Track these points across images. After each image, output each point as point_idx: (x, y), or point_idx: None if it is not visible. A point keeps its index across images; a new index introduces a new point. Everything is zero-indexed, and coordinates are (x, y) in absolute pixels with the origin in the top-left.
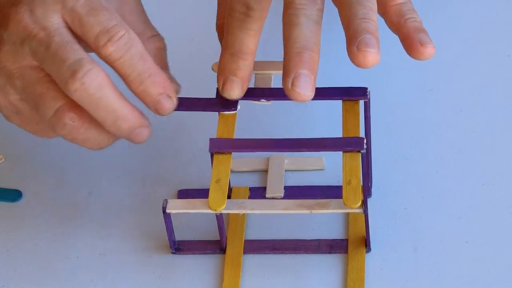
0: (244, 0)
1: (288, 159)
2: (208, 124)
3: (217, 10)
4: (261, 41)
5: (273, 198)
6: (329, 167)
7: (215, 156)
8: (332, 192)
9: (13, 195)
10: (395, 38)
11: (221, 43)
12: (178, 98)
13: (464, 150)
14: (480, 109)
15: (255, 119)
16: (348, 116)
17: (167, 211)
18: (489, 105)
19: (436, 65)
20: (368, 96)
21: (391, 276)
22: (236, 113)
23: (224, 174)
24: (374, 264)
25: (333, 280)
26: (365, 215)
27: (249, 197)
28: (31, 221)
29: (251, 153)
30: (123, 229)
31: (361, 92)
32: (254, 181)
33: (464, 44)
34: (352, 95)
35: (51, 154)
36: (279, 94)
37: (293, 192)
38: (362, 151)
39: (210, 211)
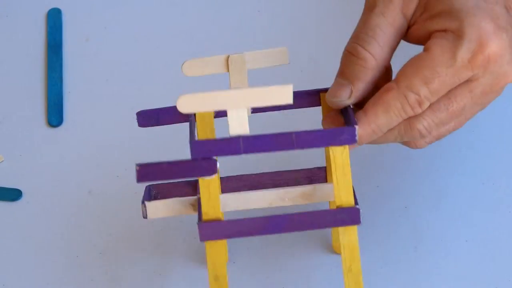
0: (420, 96)
1: (247, 55)
2: None
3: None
4: (261, 39)
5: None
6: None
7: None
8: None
9: (13, 194)
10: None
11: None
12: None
13: (464, 150)
14: None
15: None
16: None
17: (148, 217)
18: (489, 105)
19: None
20: None
21: (391, 275)
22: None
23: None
24: (374, 263)
25: (333, 280)
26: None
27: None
28: (31, 221)
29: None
30: (123, 228)
31: None
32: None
33: None
34: None
35: (51, 154)
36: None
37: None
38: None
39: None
